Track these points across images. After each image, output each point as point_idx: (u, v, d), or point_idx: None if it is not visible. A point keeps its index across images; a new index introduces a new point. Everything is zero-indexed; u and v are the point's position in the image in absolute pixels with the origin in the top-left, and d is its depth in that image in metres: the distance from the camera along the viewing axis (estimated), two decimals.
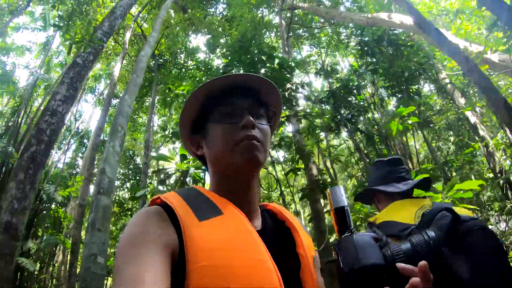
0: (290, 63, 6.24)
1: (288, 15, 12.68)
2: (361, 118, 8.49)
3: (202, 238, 0.62)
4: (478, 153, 8.82)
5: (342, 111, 8.16)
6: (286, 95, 6.17)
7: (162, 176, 4.62)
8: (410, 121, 5.53)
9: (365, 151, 9.50)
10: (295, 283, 0.73)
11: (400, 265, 0.63)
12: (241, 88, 0.82)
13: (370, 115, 8.90)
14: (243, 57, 6.17)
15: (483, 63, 5.89)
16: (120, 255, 0.60)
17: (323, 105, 8.91)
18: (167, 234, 0.64)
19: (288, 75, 6.11)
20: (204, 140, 0.84)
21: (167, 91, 9.78)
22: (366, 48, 8.93)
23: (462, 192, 2.97)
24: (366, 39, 9.69)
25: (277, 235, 0.80)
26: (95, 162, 10.06)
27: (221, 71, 10.93)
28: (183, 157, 4.57)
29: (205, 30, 12.40)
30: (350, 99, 8.35)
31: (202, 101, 0.83)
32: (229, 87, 0.82)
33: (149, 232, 0.63)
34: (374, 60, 8.87)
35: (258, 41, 12.09)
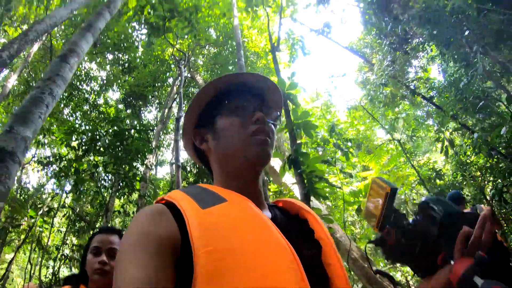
0: (149, 147, 7.43)
1: (187, 74, 15.45)
2: None
3: (206, 224, 0.62)
4: None
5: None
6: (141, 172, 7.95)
7: None
8: None
9: None
10: (317, 270, 0.71)
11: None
12: (251, 87, 0.87)
13: None
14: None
15: None
16: (122, 254, 0.62)
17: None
18: (169, 230, 0.63)
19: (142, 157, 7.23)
20: (212, 132, 0.84)
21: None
22: None
23: None
24: None
25: (290, 225, 0.78)
26: None
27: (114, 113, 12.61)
28: None
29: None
30: None
31: (212, 95, 0.86)
32: (240, 84, 0.86)
33: (151, 232, 0.63)
34: None
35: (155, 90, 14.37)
